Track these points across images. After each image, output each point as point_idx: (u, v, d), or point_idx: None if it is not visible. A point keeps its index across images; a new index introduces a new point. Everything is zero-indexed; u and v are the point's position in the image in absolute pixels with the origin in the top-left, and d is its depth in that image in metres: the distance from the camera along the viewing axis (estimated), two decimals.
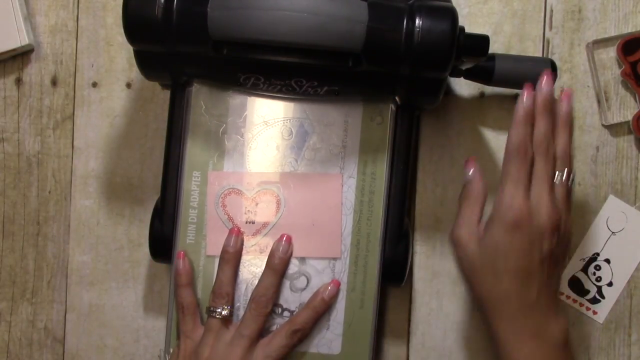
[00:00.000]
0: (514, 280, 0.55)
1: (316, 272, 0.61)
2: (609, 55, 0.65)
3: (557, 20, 0.66)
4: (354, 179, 0.61)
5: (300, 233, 0.61)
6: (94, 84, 0.69)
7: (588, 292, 0.66)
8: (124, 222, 0.69)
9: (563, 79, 0.65)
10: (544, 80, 0.57)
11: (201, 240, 0.62)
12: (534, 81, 0.57)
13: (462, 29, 0.56)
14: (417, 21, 0.53)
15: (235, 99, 0.61)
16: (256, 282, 0.60)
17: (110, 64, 0.69)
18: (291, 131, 0.61)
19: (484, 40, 0.58)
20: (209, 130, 0.61)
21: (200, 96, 0.61)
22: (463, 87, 0.66)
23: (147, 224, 0.63)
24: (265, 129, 0.61)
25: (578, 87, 0.66)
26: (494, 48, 0.65)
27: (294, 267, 0.61)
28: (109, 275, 0.69)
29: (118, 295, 0.69)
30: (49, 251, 0.70)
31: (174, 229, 0.62)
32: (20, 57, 0.69)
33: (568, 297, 0.66)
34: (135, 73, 0.68)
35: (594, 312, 0.66)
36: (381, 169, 0.60)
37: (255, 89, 0.59)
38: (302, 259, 0.61)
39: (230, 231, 0.61)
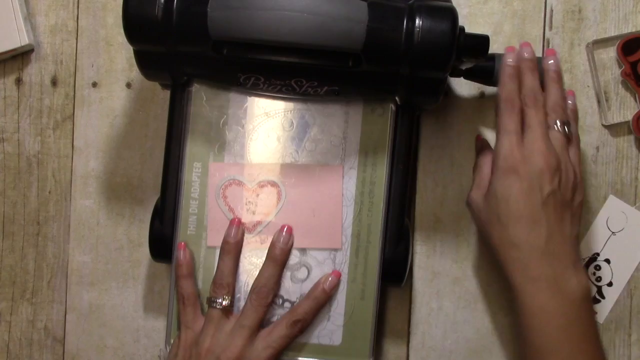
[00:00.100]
0: (519, 225, 0.57)
1: (317, 263, 0.61)
2: (609, 55, 0.65)
3: (557, 20, 0.66)
4: (354, 170, 0.61)
5: (301, 224, 0.61)
6: (94, 84, 0.69)
7: None
8: (124, 222, 0.69)
9: (563, 79, 0.65)
10: (524, 44, 0.60)
11: (202, 231, 0.62)
12: None
13: (462, 29, 0.56)
14: (417, 21, 0.53)
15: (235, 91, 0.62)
16: (257, 273, 0.61)
17: (110, 64, 0.69)
18: (292, 122, 0.61)
19: (484, 40, 0.58)
20: (210, 121, 0.61)
21: (201, 89, 0.61)
22: (463, 87, 0.66)
23: (147, 224, 0.63)
24: (266, 120, 0.61)
25: (578, 87, 0.66)
26: (494, 48, 0.65)
27: (294, 258, 0.61)
28: (109, 275, 0.69)
29: (118, 295, 0.69)
30: (49, 251, 0.70)
31: (175, 220, 0.62)
32: (20, 57, 0.69)
33: None
34: (135, 73, 0.68)
35: (594, 312, 0.66)
36: (382, 160, 0.60)
37: (255, 89, 0.59)
38: (303, 250, 0.61)
39: (231, 222, 0.61)
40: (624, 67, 0.64)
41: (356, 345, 0.61)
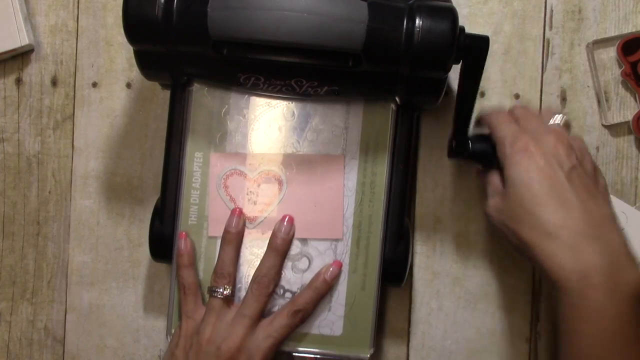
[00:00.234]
0: (549, 208, 0.50)
1: (318, 253, 0.61)
2: (609, 55, 0.65)
3: (557, 20, 0.66)
4: (356, 160, 0.61)
5: (302, 214, 0.61)
6: (94, 84, 0.69)
7: None
8: (124, 222, 0.69)
9: (563, 79, 0.65)
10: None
11: (203, 221, 0.62)
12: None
13: (462, 29, 0.56)
14: (417, 21, 0.53)
15: None
16: (258, 263, 0.61)
17: (110, 64, 0.69)
18: (293, 112, 0.61)
19: (484, 40, 0.58)
20: (211, 110, 0.61)
21: (201, 88, 0.61)
22: None
23: (147, 224, 0.63)
24: (268, 109, 0.61)
25: (578, 87, 0.66)
26: (494, 48, 0.65)
27: (295, 248, 0.61)
28: (109, 275, 0.69)
29: (118, 295, 0.69)
30: (49, 251, 0.70)
31: (176, 210, 0.62)
32: (20, 57, 0.69)
33: None
34: (135, 73, 0.68)
35: None
36: (383, 150, 0.60)
37: (255, 89, 0.59)
38: (304, 240, 0.61)
39: (232, 212, 0.61)
40: (624, 67, 0.64)
41: (357, 336, 0.61)
